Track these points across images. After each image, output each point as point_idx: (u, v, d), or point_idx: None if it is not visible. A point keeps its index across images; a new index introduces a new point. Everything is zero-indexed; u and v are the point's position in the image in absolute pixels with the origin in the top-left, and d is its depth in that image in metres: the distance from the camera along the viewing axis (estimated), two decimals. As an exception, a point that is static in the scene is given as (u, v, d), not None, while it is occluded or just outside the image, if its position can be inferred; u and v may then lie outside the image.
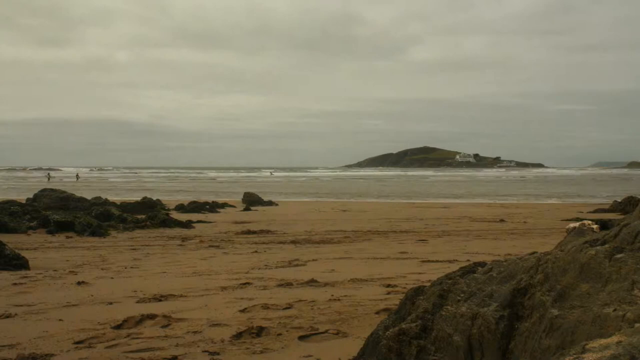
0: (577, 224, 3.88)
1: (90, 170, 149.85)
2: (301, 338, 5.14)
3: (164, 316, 5.85)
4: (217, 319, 5.80)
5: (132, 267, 9.55)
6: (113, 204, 21.74)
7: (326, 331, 5.33)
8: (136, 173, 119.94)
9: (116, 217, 16.97)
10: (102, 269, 9.35)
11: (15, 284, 7.90)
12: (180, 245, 12.82)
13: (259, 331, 5.29)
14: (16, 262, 9.26)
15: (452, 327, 3.38)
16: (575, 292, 2.85)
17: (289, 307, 6.30)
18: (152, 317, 5.81)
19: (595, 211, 22.82)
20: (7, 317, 6.01)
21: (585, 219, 14.47)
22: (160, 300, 6.78)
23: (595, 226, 3.81)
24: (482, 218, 19.86)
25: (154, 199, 24.42)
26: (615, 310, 2.53)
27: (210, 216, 21.11)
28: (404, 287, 7.04)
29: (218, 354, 4.75)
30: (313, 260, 10.18)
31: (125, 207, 21.30)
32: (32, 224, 15.39)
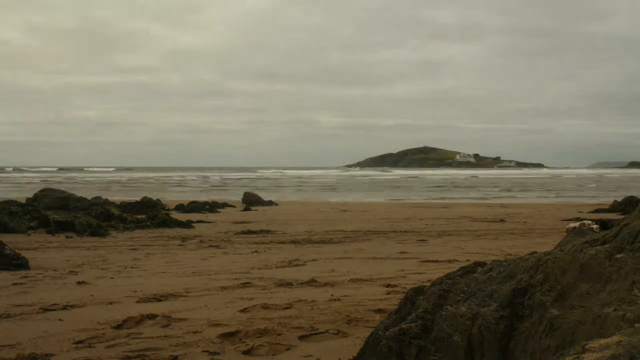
0: (577, 224, 3.89)
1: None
2: (301, 338, 5.15)
3: (164, 316, 5.86)
4: (217, 319, 5.80)
5: (132, 267, 9.55)
6: (113, 203, 21.75)
7: (326, 331, 5.33)
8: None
9: (116, 217, 16.97)
10: (102, 269, 9.35)
11: (15, 284, 7.90)
12: (180, 245, 12.82)
13: (259, 331, 5.29)
14: (16, 262, 9.26)
15: (452, 327, 3.38)
16: (575, 292, 2.85)
17: (289, 307, 6.30)
18: (152, 317, 5.82)
19: (595, 211, 22.82)
20: (7, 317, 6.02)
21: (585, 219, 14.46)
22: (160, 300, 6.78)
23: (595, 226, 3.82)
24: (482, 218, 19.86)
25: (154, 198, 24.41)
26: (615, 310, 2.53)
27: (210, 216, 21.11)
28: (404, 287, 7.04)
29: (218, 354, 4.75)
30: (313, 260, 10.18)
31: (125, 207, 21.29)
32: (32, 224, 15.38)
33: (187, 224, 17.07)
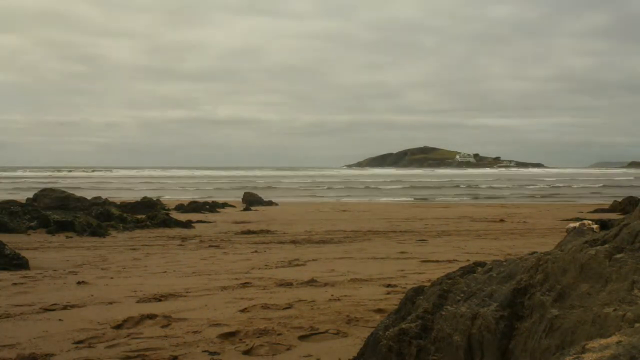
0: (577, 224, 3.88)
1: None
2: (301, 338, 5.14)
3: (164, 316, 5.85)
4: (217, 319, 5.80)
5: (132, 267, 9.55)
6: (113, 203, 21.75)
7: (326, 331, 5.33)
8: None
9: (116, 217, 16.97)
10: (102, 269, 9.35)
11: (15, 284, 7.90)
12: (180, 245, 12.82)
13: (259, 331, 5.29)
14: (16, 262, 9.26)
15: (452, 327, 3.38)
16: (575, 292, 2.85)
17: (289, 307, 6.30)
18: (152, 317, 5.81)
19: (595, 211, 22.82)
20: (7, 317, 6.01)
21: (585, 219, 14.46)
22: (160, 300, 6.78)
23: (595, 226, 3.81)
24: (482, 218, 19.86)
25: (154, 198, 24.42)
26: (615, 310, 2.53)
27: (210, 216, 21.11)
28: (404, 287, 7.04)
29: (218, 354, 4.75)
30: (313, 260, 10.18)
31: (125, 207, 21.30)
32: (32, 224, 15.39)
33: (187, 224, 17.07)
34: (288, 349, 4.86)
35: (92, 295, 7.09)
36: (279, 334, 5.21)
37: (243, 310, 6.15)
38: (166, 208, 22.79)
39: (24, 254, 9.90)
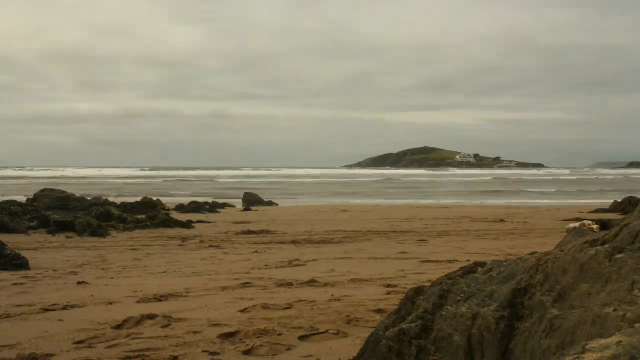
0: (577, 224, 3.89)
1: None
2: (301, 338, 5.14)
3: (164, 316, 5.85)
4: (217, 319, 5.80)
5: (132, 267, 9.55)
6: (113, 204, 21.76)
7: (326, 331, 5.33)
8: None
9: (116, 217, 16.97)
10: (102, 269, 9.35)
11: (15, 284, 7.90)
12: (180, 245, 12.82)
13: (259, 331, 5.29)
14: (16, 262, 9.26)
15: (452, 327, 3.38)
16: (575, 292, 2.85)
17: (289, 307, 6.30)
18: (152, 317, 5.82)
19: (595, 211, 22.82)
20: (7, 317, 6.01)
21: (585, 219, 14.48)
22: (160, 300, 6.78)
23: (595, 226, 3.82)
24: (482, 218, 19.86)
25: (154, 199, 24.42)
26: (615, 310, 2.53)
27: (210, 216, 21.11)
28: (404, 287, 7.04)
29: (218, 354, 4.75)
30: (313, 260, 10.18)
31: (125, 207, 21.29)
32: (32, 224, 15.39)
33: (187, 224, 17.07)
34: (288, 349, 4.86)
35: (92, 295, 7.09)
36: (279, 334, 5.22)
37: (243, 310, 6.15)
38: (166, 208, 22.80)
39: (24, 254, 9.90)
